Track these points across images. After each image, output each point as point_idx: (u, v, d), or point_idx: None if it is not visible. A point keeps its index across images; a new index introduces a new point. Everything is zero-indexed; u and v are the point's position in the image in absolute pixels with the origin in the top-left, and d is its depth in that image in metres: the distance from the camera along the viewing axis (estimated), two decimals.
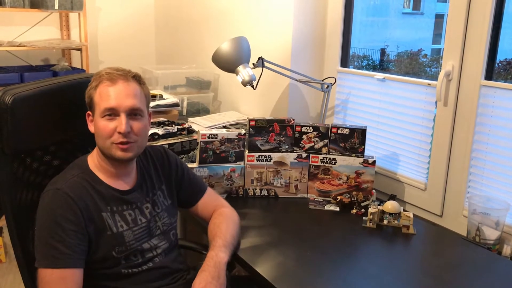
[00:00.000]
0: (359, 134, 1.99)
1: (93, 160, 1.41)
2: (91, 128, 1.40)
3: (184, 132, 2.21)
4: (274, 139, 2.03)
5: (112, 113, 1.32)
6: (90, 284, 1.32)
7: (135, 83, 1.37)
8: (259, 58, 2.13)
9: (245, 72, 2.07)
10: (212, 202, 1.63)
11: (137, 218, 1.42)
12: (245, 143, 2.02)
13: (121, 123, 1.32)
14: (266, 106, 2.56)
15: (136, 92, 1.36)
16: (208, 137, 1.95)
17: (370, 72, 2.22)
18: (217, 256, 1.38)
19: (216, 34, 2.92)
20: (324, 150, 2.03)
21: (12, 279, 2.62)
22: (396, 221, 1.77)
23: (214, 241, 1.45)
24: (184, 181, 1.60)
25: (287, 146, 2.04)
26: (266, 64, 2.14)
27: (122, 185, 1.42)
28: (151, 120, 2.14)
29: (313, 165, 2.03)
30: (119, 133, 1.32)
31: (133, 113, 1.35)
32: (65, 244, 1.25)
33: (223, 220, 1.55)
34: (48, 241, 1.25)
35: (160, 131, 2.12)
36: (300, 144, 2.05)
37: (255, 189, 2.04)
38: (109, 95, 1.32)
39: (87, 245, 1.30)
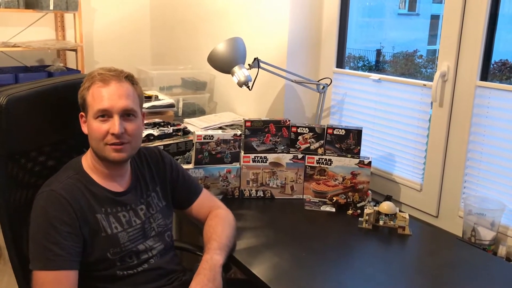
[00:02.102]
0: (355, 135, 1.99)
1: (87, 161, 1.40)
2: (84, 129, 1.39)
3: (179, 133, 2.20)
4: (270, 140, 2.03)
5: (105, 114, 1.32)
6: (85, 286, 1.31)
7: (128, 84, 1.36)
8: (254, 58, 2.13)
9: (240, 72, 2.07)
10: (207, 203, 1.63)
11: (132, 220, 1.41)
12: (241, 144, 2.02)
13: (114, 124, 1.31)
14: (262, 107, 2.56)
15: (129, 92, 1.35)
16: (204, 138, 1.95)
17: (366, 73, 2.22)
18: (212, 259, 1.38)
19: (211, 35, 2.92)
20: (320, 151, 2.03)
21: (7, 281, 2.61)
22: (391, 222, 1.77)
23: (210, 243, 1.45)
24: (179, 183, 1.59)
25: (283, 147, 2.04)
26: (261, 64, 2.14)
27: (116, 187, 1.41)
28: (146, 121, 2.14)
29: (309, 166, 2.02)
30: (113, 134, 1.32)
31: (126, 114, 1.34)
32: (59, 246, 1.24)
33: (218, 222, 1.55)
34: (42, 243, 1.24)
35: (155, 132, 2.12)
36: (296, 145, 2.05)
37: (251, 190, 2.03)
38: (102, 96, 1.32)
39: (82, 246, 1.30)
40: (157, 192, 1.53)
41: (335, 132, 2.01)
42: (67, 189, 1.31)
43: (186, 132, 2.24)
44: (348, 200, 1.98)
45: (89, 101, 1.34)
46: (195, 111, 2.88)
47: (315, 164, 2.02)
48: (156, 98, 2.59)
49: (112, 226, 1.36)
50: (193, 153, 1.96)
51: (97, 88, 1.32)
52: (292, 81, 2.26)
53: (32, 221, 1.28)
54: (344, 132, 2.00)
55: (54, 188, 1.30)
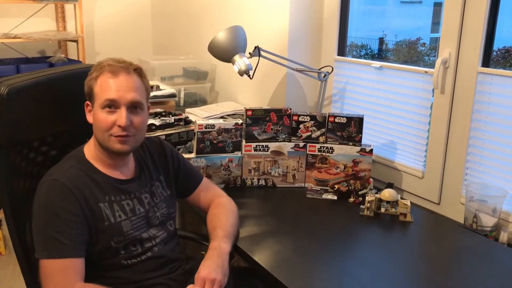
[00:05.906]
0: (356, 122, 1.99)
1: (90, 150, 1.40)
2: (89, 118, 1.39)
3: (181, 123, 2.21)
4: (271, 129, 2.03)
5: (112, 105, 1.32)
6: (90, 274, 1.32)
7: (136, 76, 1.37)
8: (255, 47, 2.12)
9: (241, 61, 2.06)
10: (208, 191, 1.64)
11: (136, 208, 1.42)
12: (242, 133, 2.02)
13: (122, 116, 1.31)
14: (264, 96, 2.56)
15: (137, 85, 1.36)
16: (205, 127, 1.95)
17: (367, 61, 2.21)
18: (219, 247, 1.39)
19: (212, 24, 2.91)
20: (322, 139, 2.03)
21: (12, 271, 2.63)
22: (393, 209, 1.78)
23: (215, 231, 1.46)
24: (180, 172, 1.60)
25: (284, 136, 2.04)
26: (262, 53, 2.13)
27: (120, 175, 1.42)
28: None
29: (310, 154, 2.03)
30: (119, 126, 1.32)
31: (133, 106, 1.35)
32: (64, 235, 1.25)
33: (222, 211, 1.56)
34: (46, 232, 1.25)
35: (157, 122, 2.12)
36: (298, 134, 2.05)
37: (253, 179, 2.04)
38: (110, 87, 1.32)
39: (88, 234, 1.31)
40: (161, 181, 1.54)
41: (336, 120, 2.00)
42: (70, 178, 1.31)
43: (187, 121, 2.24)
44: (350, 188, 1.98)
45: (96, 91, 1.34)
46: (197, 101, 2.89)
47: (316, 153, 2.02)
48: (158, 88, 2.59)
49: (115, 215, 1.37)
50: (194, 142, 1.96)
51: (106, 78, 1.33)
52: (293, 69, 2.25)
53: (36, 211, 1.29)
54: (346, 120, 2.00)
55: (57, 178, 1.30)
